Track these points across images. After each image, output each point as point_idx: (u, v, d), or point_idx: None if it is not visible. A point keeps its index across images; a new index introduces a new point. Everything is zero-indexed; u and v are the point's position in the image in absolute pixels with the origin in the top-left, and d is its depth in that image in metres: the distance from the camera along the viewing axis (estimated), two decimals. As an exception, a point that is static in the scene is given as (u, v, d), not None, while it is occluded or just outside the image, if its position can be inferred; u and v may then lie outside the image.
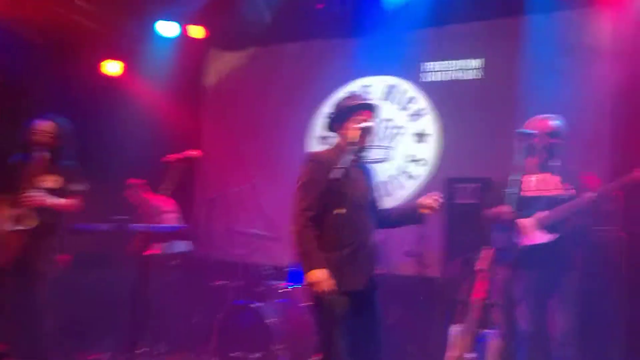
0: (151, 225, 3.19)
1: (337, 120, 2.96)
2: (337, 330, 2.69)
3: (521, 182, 3.52)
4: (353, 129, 2.87)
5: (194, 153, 3.33)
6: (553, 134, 3.54)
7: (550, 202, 3.44)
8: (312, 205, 2.85)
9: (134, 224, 4.23)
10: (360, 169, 3.00)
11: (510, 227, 3.13)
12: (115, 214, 4.39)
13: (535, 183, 3.55)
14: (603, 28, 4.95)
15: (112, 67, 6.37)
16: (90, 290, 5.06)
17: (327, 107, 6.09)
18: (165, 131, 6.20)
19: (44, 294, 3.76)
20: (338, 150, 2.92)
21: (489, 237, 3.80)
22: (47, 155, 3.84)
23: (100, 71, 6.39)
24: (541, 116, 3.63)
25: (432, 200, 2.84)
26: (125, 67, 6.44)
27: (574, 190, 3.45)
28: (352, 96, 3.10)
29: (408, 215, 3.07)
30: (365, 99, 3.04)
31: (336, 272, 2.72)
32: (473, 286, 3.83)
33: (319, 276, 2.71)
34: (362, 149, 2.97)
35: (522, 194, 3.51)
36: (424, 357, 4.32)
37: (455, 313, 4.04)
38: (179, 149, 3.70)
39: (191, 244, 5.36)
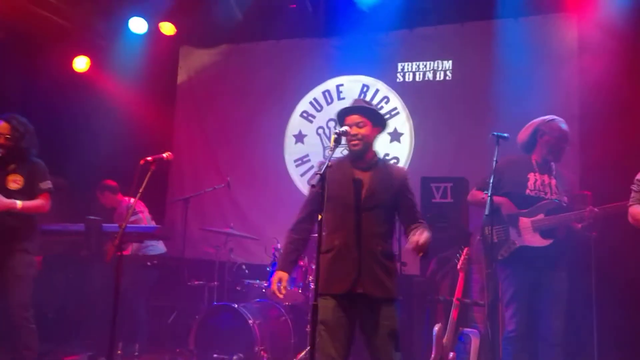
0: (125, 225, 3.10)
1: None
2: (320, 331, 2.68)
3: (527, 180, 3.57)
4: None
5: (165, 155, 3.28)
6: (563, 137, 3.59)
7: (550, 206, 3.48)
8: (301, 210, 2.92)
9: (107, 225, 4.15)
10: (368, 171, 2.85)
11: (499, 223, 3.15)
12: (87, 214, 4.30)
13: (535, 183, 3.57)
14: (569, 32, 5.17)
15: (81, 64, 6.16)
16: (65, 291, 4.96)
17: (302, 106, 6.13)
18: (137, 129, 6.07)
19: (24, 296, 3.66)
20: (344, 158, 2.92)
21: (467, 236, 3.92)
22: (2, 155, 3.72)
23: (69, 68, 6.18)
24: (550, 118, 3.66)
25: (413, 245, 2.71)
26: (94, 63, 6.25)
27: (567, 198, 3.53)
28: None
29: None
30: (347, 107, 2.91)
31: (323, 274, 2.69)
32: (452, 285, 3.95)
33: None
34: (354, 153, 2.85)
35: (524, 191, 3.55)
36: (406, 357, 4.40)
37: (436, 312, 4.14)
38: (151, 148, 3.64)
39: (164, 245, 5.28)
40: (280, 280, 2.80)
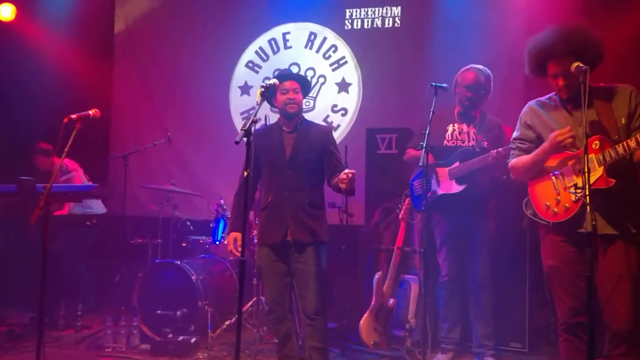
0: (51, 185, 2.95)
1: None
2: (262, 279, 3.20)
3: (445, 131, 3.64)
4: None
5: (91, 112, 3.10)
6: (473, 86, 3.58)
7: (464, 153, 3.55)
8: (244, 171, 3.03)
9: (41, 185, 3.96)
10: (294, 133, 3.12)
11: (426, 175, 3.20)
12: (19, 174, 4.09)
13: (452, 133, 3.65)
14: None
15: (5, 12, 5.67)
16: (3, 253, 4.80)
17: (247, 55, 5.90)
18: (72, 84, 5.75)
19: None
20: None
21: (408, 186, 3.91)
22: None
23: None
24: (466, 67, 3.66)
25: (344, 175, 2.86)
26: (21, 11, 5.77)
27: (486, 143, 3.57)
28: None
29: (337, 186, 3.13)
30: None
31: (260, 227, 3.17)
32: (395, 234, 3.98)
33: (229, 239, 3.16)
34: (289, 114, 3.11)
35: (442, 142, 3.63)
36: (349, 304, 4.45)
37: (379, 261, 4.18)
38: (89, 103, 3.42)
39: (103, 205, 5.12)
40: (235, 240, 3.11)
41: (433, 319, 3.80)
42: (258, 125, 2.81)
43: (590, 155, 2.41)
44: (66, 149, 2.97)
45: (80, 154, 4.28)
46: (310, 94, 5.70)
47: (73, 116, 3.05)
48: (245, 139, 2.52)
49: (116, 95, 6.21)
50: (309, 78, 5.72)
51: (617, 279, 2.40)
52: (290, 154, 3.09)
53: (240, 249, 2.87)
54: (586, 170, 2.24)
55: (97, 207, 5.02)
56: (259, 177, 3.22)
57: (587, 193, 2.20)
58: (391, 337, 3.84)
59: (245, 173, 2.62)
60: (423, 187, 3.30)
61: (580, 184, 2.33)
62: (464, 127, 3.65)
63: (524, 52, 2.64)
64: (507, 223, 3.65)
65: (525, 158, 2.64)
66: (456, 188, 3.53)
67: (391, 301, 3.83)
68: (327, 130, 3.29)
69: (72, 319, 4.54)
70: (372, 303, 3.86)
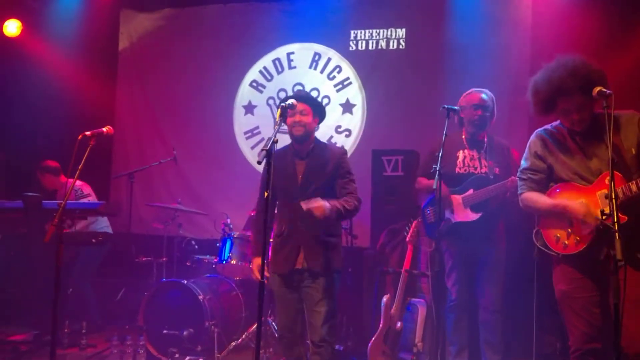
0: (65, 203, 2.95)
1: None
2: (275, 305, 3.18)
3: (456, 158, 3.64)
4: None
5: (105, 129, 3.11)
6: (481, 104, 3.61)
7: (478, 181, 3.57)
8: (260, 190, 3.21)
9: (47, 202, 3.96)
10: (303, 160, 3.09)
11: (439, 202, 3.22)
12: (25, 191, 4.08)
13: (464, 160, 3.66)
14: (523, 3, 5.15)
15: (12, 28, 5.70)
16: (7, 270, 4.77)
17: (252, 75, 5.95)
18: (76, 100, 5.76)
19: None
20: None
21: (416, 209, 3.96)
22: None
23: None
24: (468, 91, 3.70)
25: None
26: (27, 28, 5.79)
27: (497, 169, 3.61)
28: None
29: None
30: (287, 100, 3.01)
31: (272, 255, 3.16)
32: (401, 257, 4.01)
33: (253, 267, 3.19)
34: (296, 138, 3.09)
35: (454, 170, 3.63)
36: (354, 326, 4.48)
37: (385, 283, 4.20)
38: (92, 120, 3.44)
39: (108, 222, 5.12)
40: (259, 266, 3.01)
41: (441, 343, 3.82)
42: (277, 146, 2.77)
43: (601, 191, 2.44)
44: (80, 167, 2.98)
45: (83, 172, 4.29)
46: (314, 114, 5.76)
47: (87, 133, 3.05)
48: (265, 159, 2.55)
49: (119, 112, 6.22)
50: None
51: (633, 304, 2.35)
52: (301, 182, 3.04)
53: (266, 274, 3.00)
54: (613, 197, 2.21)
55: (103, 222, 5.02)
56: (275, 200, 3.16)
57: (616, 220, 2.18)
58: (399, 361, 3.86)
59: (266, 194, 2.59)
60: (436, 214, 3.33)
61: (607, 210, 2.28)
62: (475, 153, 3.66)
63: (529, 74, 2.67)
64: (514, 247, 3.69)
65: (540, 201, 2.62)
66: (472, 216, 3.54)
67: (399, 324, 3.86)
68: (338, 152, 3.19)
69: (76, 337, 4.52)
70: (380, 326, 3.88)
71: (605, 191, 2.44)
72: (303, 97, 3.14)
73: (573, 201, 2.50)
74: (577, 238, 2.48)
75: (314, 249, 3.01)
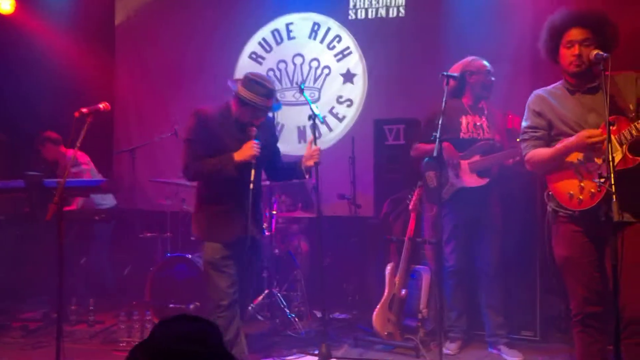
0: (64, 181, 2.95)
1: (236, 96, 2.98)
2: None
3: (459, 123, 3.63)
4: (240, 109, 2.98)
5: (101, 106, 3.09)
6: (491, 73, 3.63)
7: (485, 147, 3.56)
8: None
9: (49, 180, 3.96)
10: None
11: (444, 166, 3.22)
12: (28, 170, 4.08)
13: (467, 125, 3.65)
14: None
15: (5, 4, 5.58)
16: (14, 249, 4.81)
17: (251, 46, 5.87)
18: (75, 76, 5.70)
19: None
20: (225, 110, 3.03)
21: (419, 177, 3.93)
22: None
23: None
24: (472, 58, 3.68)
25: (313, 152, 3.07)
26: (20, 4, 5.67)
27: (498, 136, 3.61)
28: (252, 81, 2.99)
29: (293, 169, 3.20)
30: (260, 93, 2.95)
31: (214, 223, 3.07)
32: (405, 225, 4.00)
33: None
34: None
35: (458, 135, 3.62)
36: (360, 295, 4.51)
37: (389, 252, 4.21)
38: (92, 96, 3.41)
39: (114, 198, 5.13)
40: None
41: (440, 309, 3.84)
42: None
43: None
44: (78, 143, 2.97)
45: (84, 147, 4.28)
46: (315, 85, 5.71)
47: (84, 110, 3.03)
48: None
49: (118, 88, 6.16)
50: (313, 69, 5.77)
51: (633, 267, 2.38)
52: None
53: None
54: (610, 159, 2.20)
55: (108, 201, 5.03)
56: None
57: (613, 182, 2.17)
58: (404, 328, 3.88)
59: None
60: (439, 179, 3.31)
61: (604, 172, 2.28)
62: (477, 119, 3.66)
63: (530, 39, 2.65)
64: (515, 210, 3.69)
65: (544, 152, 2.61)
66: (480, 181, 3.55)
67: (403, 292, 3.88)
68: (270, 121, 3.36)
69: (84, 313, 4.57)
70: (385, 294, 3.90)
71: (612, 137, 2.36)
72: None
73: (579, 135, 2.46)
74: (592, 191, 2.42)
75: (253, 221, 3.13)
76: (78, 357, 3.51)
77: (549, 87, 2.69)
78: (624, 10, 4.45)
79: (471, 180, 3.57)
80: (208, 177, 2.95)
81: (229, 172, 2.90)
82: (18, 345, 4.02)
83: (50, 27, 5.68)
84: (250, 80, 2.93)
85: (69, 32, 5.71)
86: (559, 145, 2.55)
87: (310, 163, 3.07)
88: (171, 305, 4.18)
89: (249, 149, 2.90)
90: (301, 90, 3.67)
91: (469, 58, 3.70)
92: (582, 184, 2.47)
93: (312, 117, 3.27)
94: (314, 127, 3.25)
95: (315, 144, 3.14)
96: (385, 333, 3.83)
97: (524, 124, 2.71)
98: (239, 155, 2.90)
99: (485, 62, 3.68)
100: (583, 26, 2.50)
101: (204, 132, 2.94)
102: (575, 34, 2.51)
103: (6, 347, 4.00)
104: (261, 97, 2.91)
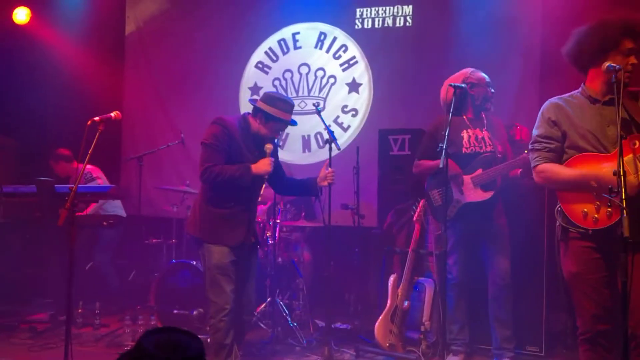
0: (76, 187, 3.01)
1: (259, 112, 3.14)
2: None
3: (461, 138, 3.60)
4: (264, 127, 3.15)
5: (113, 115, 3.14)
6: (491, 84, 3.61)
7: (486, 160, 3.54)
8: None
9: (59, 185, 4.03)
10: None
11: (447, 182, 3.19)
12: (38, 176, 4.17)
13: (469, 140, 3.61)
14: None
15: (21, 15, 5.71)
16: (23, 253, 4.90)
17: (257, 56, 5.92)
18: (85, 84, 5.79)
19: None
20: (244, 123, 3.17)
21: (422, 188, 3.94)
22: None
23: (9, 19, 5.73)
24: (472, 70, 3.66)
25: (327, 174, 3.26)
26: (35, 14, 5.81)
27: (500, 147, 3.59)
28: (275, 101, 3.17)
29: (307, 187, 3.38)
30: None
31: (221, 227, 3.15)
32: (409, 236, 4.01)
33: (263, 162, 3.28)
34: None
35: (461, 150, 3.58)
36: (362, 306, 4.51)
37: (393, 263, 4.22)
38: (101, 104, 3.46)
39: (123, 209, 5.20)
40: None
41: (443, 322, 3.82)
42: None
43: (628, 157, 2.30)
44: (89, 152, 3.02)
45: (93, 155, 4.35)
46: (321, 95, 5.75)
47: (96, 119, 3.07)
48: None
49: (127, 96, 6.25)
50: (318, 78, 5.81)
51: None
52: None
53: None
54: (621, 173, 2.14)
55: (119, 211, 5.13)
56: None
57: (624, 197, 2.10)
58: (406, 339, 3.89)
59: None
60: (443, 197, 3.30)
61: (615, 187, 2.17)
62: (478, 132, 3.62)
63: (539, 53, 2.57)
64: (521, 224, 3.67)
65: (560, 172, 2.46)
66: (484, 195, 3.50)
67: (406, 303, 3.88)
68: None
69: (90, 317, 4.63)
70: (387, 305, 3.91)
71: (631, 156, 2.30)
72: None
73: (602, 170, 2.32)
74: (609, 210, 2.30)
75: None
76: (84, 359, 3.56)
77: (564, 96, 2.56)
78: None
79: (475, 195, 3.52)
80: (225, 182, 3.03)
81: (245, 181, 3.06)
82: (26, 346, 4.08)
83: (63, 37, 5.80)
84: (272, 98, 3.17)
85: (81, 42, 5.82)
86: (586, 173, 2.38)
87: (325, 184, 3.29)
88: (175, 311, 4.22)
89: (265, 165, 3.08)
90: (318, 112, 3.81)
91: (468, 70, 3.66)
92: (598, 202, 2.34)
93: (329, 142, 3.60)
94: (330, 149, 3.58)
95: (330, 166, 3.36)
96: (387, 344, 3.83)
97: (535, 132, 2.56)
98: (255, 169, 3.07)
99: (484, 74, 3.64)
100: (636, 37, 2.43)
101: (229, 140, 3.06)
102: (631, 42, 2.42)
103: (15, 348, 4.08)
104: (284, 112, 3.13)
